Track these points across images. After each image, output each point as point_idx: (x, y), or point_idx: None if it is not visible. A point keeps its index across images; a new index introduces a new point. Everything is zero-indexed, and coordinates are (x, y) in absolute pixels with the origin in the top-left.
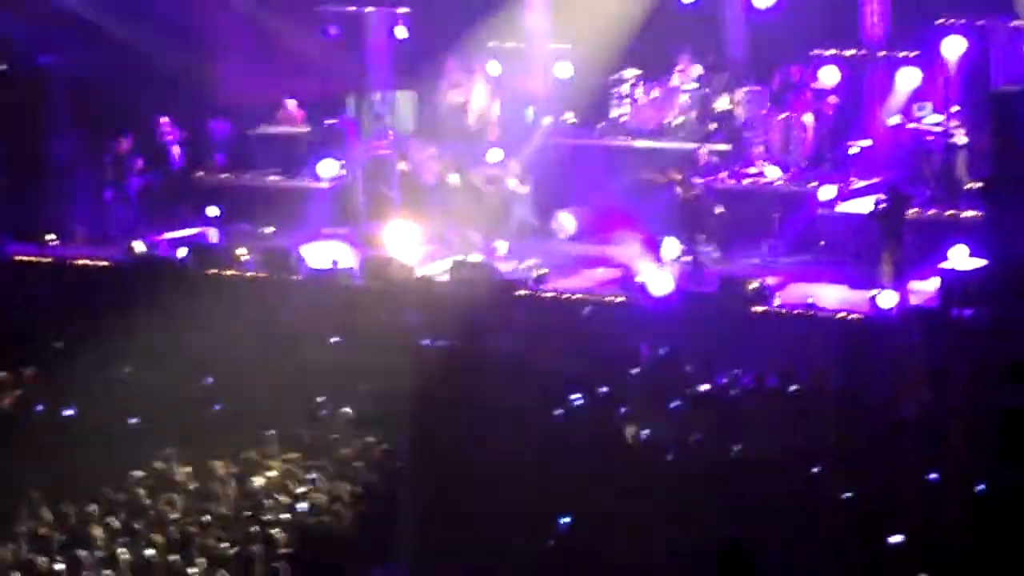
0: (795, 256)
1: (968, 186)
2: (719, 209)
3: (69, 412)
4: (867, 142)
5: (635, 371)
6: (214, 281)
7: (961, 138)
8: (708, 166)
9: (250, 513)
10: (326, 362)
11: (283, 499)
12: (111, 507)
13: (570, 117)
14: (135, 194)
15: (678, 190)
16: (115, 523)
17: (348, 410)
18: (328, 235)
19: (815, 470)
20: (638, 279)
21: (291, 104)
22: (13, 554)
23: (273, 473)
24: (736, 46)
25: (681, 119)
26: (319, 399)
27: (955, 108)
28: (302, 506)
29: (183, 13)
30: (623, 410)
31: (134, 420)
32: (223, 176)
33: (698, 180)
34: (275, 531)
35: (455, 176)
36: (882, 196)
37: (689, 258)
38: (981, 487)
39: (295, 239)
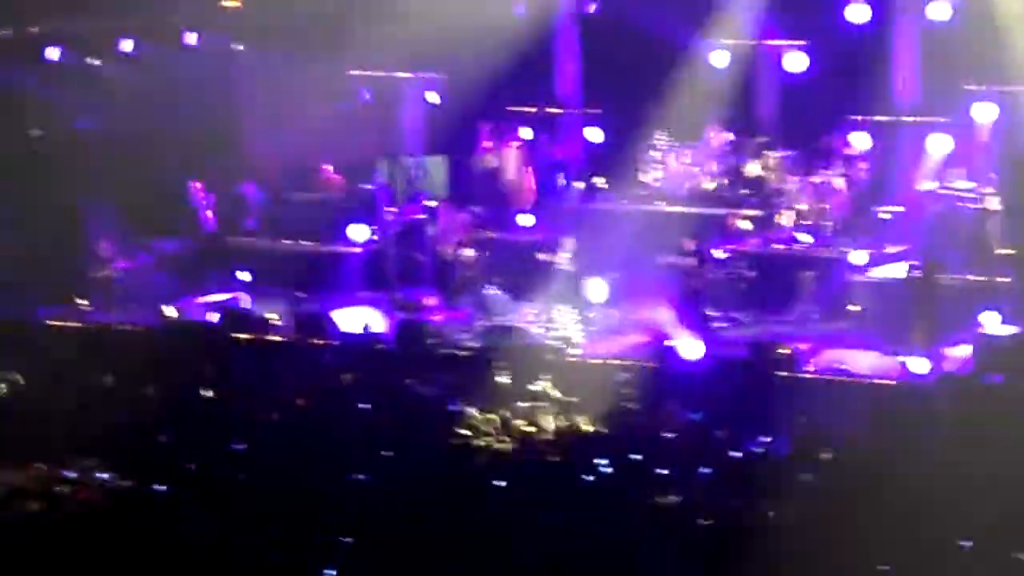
0: (826, 322)
1: (1000, 252)
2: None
3: None
4: (899, 208)
5: (669, 436)
6: (246, 345)
7: (993, 204)
8: (738, 232)
9: None
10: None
11: None
12: None
13: (601, 182)
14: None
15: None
16: None
17: None
18: (360, 300)
19: (847, 535)
20: (668, 344)
21: (330, 169)
22: None
23: None
24: (767, 111)
25: (713, 184)
26: None
27: (988, 174)
28: None
29: (216, 77)
30: (660, 474)
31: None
32: (255, 240)
33: (728, 248)
34: None
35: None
36: (914, 262)
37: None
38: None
39: (327, 304)
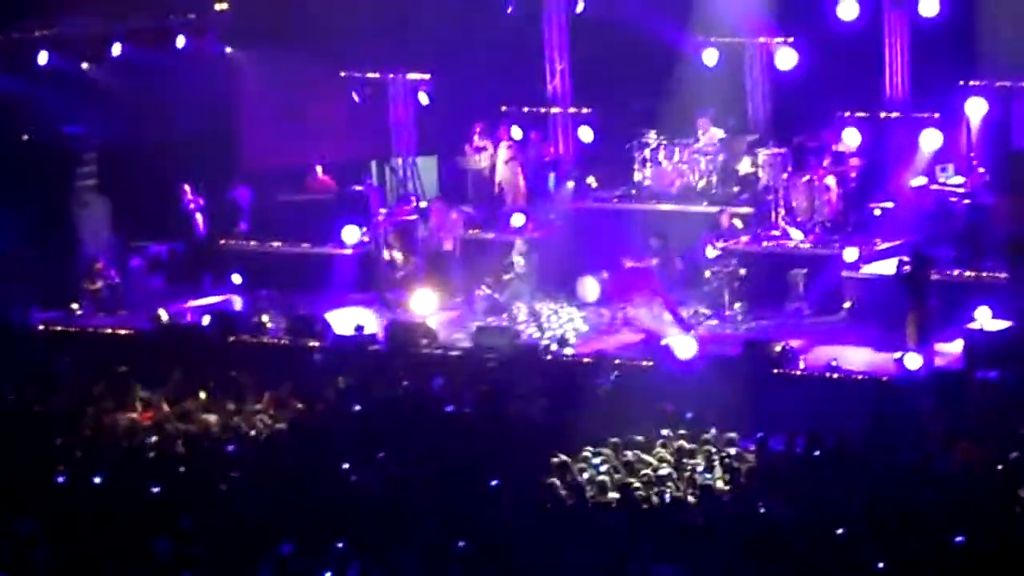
0: (819, 318)
1: (992, 247)
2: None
3: None
4: (890, 204)
5: (664, 433)
6: (238, 349)
7: (984, 199)
8: (730, 229)
9: None
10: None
11: None
12: None
13: (593, 181)
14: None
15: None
16: None
17: None
18: (352, 301)
19: (840, 532)
20: (662, 343)
21: (320, 171)
22: None
23: None
24: (758, 108)
25: (704, 182)
26: None
27: (978, 169)
28: None
29: (206, 81)
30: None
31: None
32: (247, 243)
33: (720, 243)
34: None
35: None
36: (906, 258)
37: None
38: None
39: (319, 306)
